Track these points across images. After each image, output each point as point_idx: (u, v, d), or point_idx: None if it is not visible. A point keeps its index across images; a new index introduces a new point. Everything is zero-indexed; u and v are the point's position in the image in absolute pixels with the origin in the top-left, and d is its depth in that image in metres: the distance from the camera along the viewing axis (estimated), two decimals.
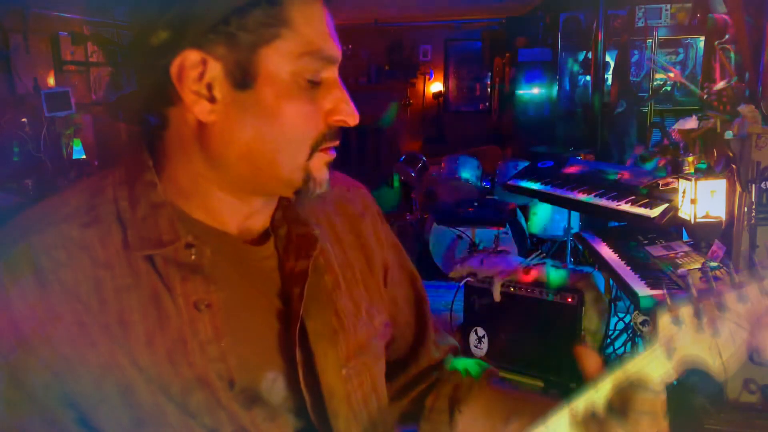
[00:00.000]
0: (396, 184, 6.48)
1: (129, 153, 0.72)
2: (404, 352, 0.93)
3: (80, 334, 0.64)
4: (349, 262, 0.82)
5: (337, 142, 0.71)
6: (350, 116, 0.70)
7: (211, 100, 0.64)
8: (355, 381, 0.77)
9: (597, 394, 0.66)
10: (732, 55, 2.53)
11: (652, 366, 0.67)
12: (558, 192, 3.21)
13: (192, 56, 0.63)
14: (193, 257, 0.67)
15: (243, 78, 0.64)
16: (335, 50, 0.69)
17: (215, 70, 0.64)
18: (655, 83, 4.59)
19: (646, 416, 0.65)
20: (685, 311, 0.67)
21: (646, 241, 2.69)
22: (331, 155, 0.71)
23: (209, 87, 0.64)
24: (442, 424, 0.89)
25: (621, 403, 0.65)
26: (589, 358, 0.69)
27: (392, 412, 0.90)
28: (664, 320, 0.67)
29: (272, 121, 0.65)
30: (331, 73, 0.69)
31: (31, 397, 0.64)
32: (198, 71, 0.63)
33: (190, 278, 0.67)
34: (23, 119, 4.89)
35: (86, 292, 0.65)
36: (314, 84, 0.67)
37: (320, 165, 0.70)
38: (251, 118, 0.65)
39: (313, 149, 0.68)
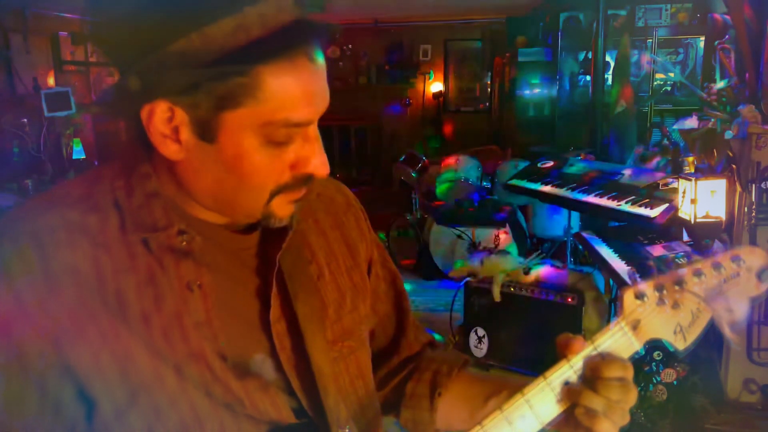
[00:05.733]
0: (396, 184, 6.47)
1: (125, 147, 0.75)
2: (385, 343, 0.98)
3: (80, 308, 0.67)
4: (333, 254, 0.86)
5: (304, 189, 0.72)
6: (319, 169, 0.70)
7: (178, 141, 0.67)
8: (341, 364, 0.82)
9: (571, 368, 0.72)
10: (732, 55, 2.54)
11: (618, 338, 0.72)
12: (558, 192, 3.21)
13: (161, 105, 0.65)
14: (184, 243, 0.71)
15: (204, 134, 0.66)
16: (309, 114, 0.67)
17: (182, 118, 0.65)
18: (655, 83, 4.59)
19: (616, 384, 0.69)
20: (647, 287, 0.72)
21: (646, 241, 2.69)
22: (297, 195, 0.72)
23: (176, 130, 0.66)
24: (423, 409, 0.92)
25: (592, 374, 0.71)
26: (574, 343, 0.73)
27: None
28: (628, 296, 0.72)
29: (233, 171, 0.67)
30: (303, 131, 0.69)
31: (29, 371, 0.66)
32: (166, 116, 0.65)
33: (182, 261, 0.71)
34: (23, 119, 4.89)
35: (86, 271, 0.68)
36: (280, 144, 0.67)
37: (282, 204, 0.72)
38: (213, 165, 0.68)
39: (274, 195, 0.70)
